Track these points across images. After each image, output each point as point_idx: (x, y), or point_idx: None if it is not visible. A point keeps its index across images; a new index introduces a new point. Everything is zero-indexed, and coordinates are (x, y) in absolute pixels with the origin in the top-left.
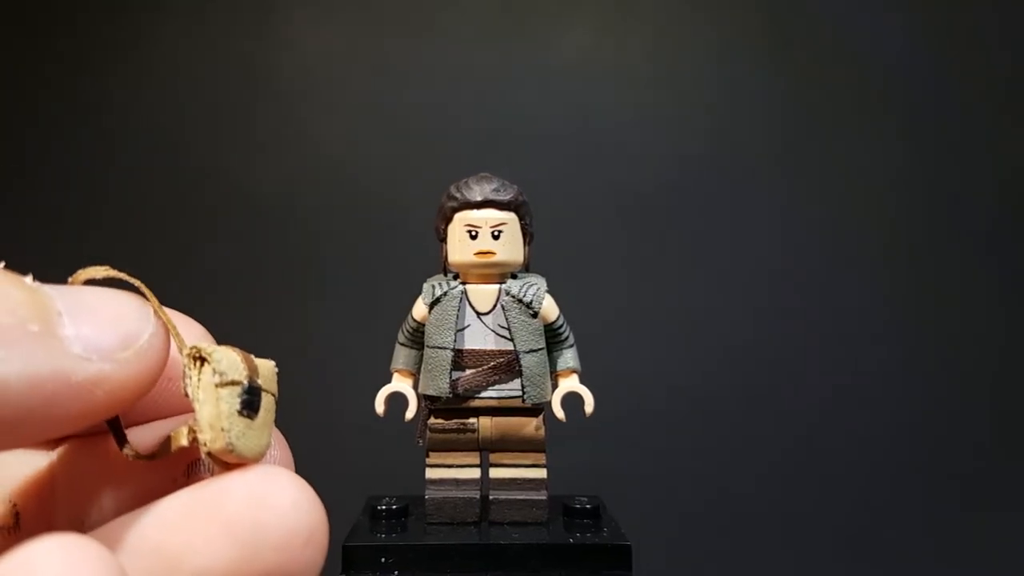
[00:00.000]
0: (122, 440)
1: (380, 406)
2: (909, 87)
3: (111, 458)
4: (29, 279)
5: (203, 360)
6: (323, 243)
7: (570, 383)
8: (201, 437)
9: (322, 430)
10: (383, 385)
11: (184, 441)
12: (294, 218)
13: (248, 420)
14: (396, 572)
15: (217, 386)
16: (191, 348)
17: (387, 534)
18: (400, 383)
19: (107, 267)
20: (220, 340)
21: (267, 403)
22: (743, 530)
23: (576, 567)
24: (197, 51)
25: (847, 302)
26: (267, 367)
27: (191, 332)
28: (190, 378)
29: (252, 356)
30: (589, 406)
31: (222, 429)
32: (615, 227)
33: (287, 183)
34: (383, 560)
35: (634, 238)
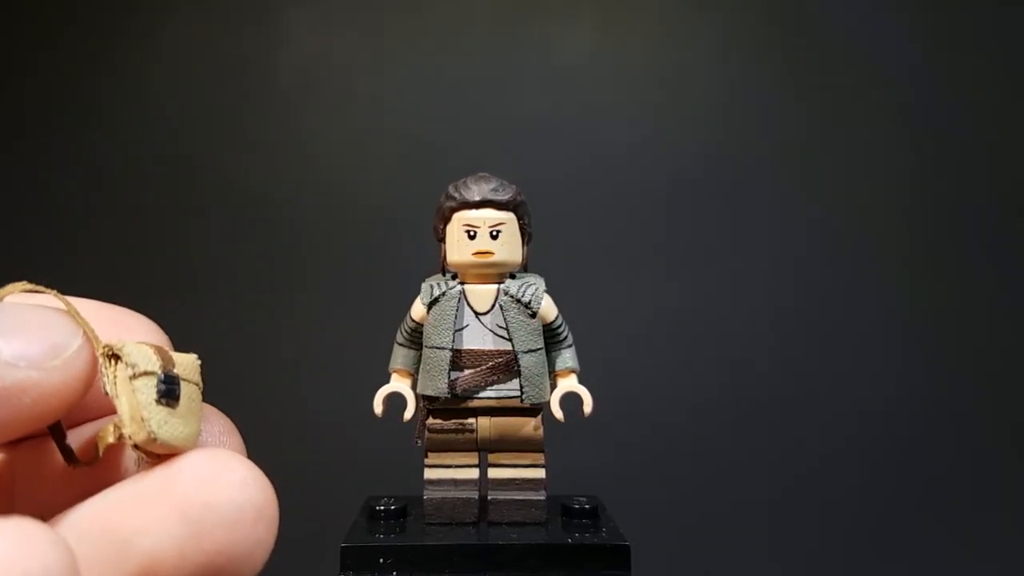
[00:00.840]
0: (65, 450)
1: (378, 406)
2: (912, 88)
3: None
4: None
5: (117, 357)
6: (322, 243)
7: (569, 383)
8: (125, 431)
9: (321, 430)
10: (381, 385)
11: (111, 439)
12: (294, 218)
13: (168, 409)
14: (394, 573)
15: (131, 378)
16: (104, 346)
17: (385, 534)
18: (398, 383)
19: (24, 283)
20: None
21: (190, 392)
22: (742, 530)
23: (575, 567)
24: (195, 50)
25: (848, 302)
26: (187, 359)
27: (142, 330)
28: (107, 376)
29: (168, 350)
30: (588, 406)
31: (142, 419)
32: (615, 227)
33: (287, 183)
34: (381, 560)
35: (634, 238)
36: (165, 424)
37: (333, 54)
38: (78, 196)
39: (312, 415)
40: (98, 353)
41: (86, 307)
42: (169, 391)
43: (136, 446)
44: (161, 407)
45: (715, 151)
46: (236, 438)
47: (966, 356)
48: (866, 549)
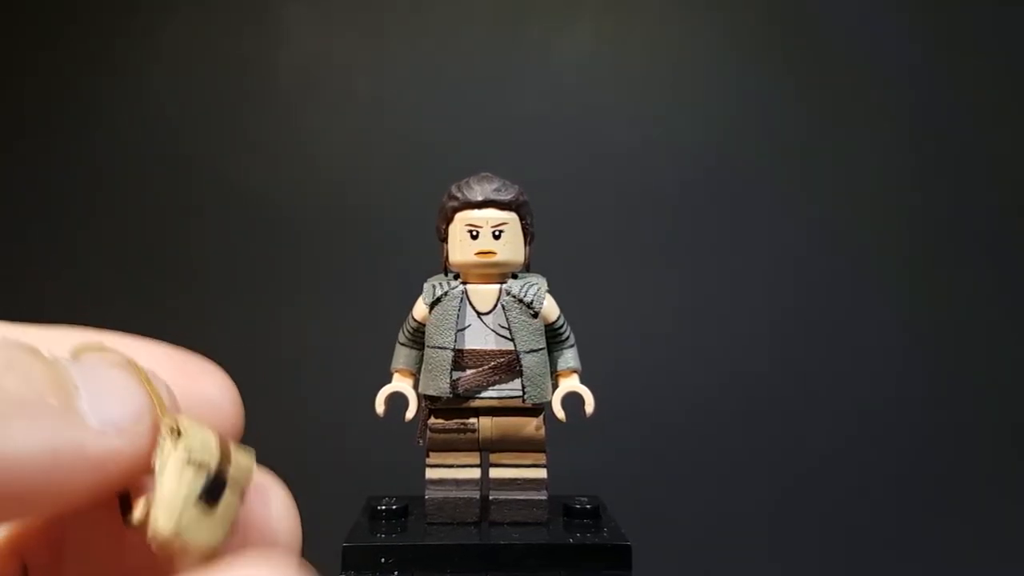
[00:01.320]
0: (128, 511)
1: (380, 406)
2: (912, 88)
3: (120, 519)
4: (46, 351)
5: (179, 434)
6: (322, 243)
7: (570, 383)
8: (153, 512)
9: (323, 430)
10: (383, 385)
11: (136, 517)
12: (294, 218)
13: (205, 508)
14: (396, 572)
15: (184, 463)
16: (170, 419)
17: (387, 534)
18: (400, 383)
19: (98, 340)
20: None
21: (230, 500)
22: (742, 530)
23: (576, 567)
24: (195, 50)
25: (848, 302)
26: (244, 461)
27: (206, 378)
28: (161, 449)
29: (232, 444)
30: (590, 406)
31: (175, 509)
32: (615, 227)
33: (287, 183)
34: (383, 560)
35: (635, 238)
36: (195, 523)
37: (333, 54)
38: (78, 196)
39: (312, 415)
40: (162, 425)
41: (153, 351)
42: (212, 490)
43: (154, 536)
44: (198, 504)
45: (715, 151)
46: (294, 522)
47: (966, 356)
48: (866, 549)
